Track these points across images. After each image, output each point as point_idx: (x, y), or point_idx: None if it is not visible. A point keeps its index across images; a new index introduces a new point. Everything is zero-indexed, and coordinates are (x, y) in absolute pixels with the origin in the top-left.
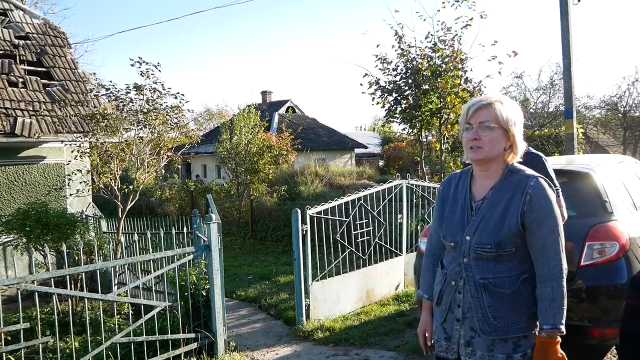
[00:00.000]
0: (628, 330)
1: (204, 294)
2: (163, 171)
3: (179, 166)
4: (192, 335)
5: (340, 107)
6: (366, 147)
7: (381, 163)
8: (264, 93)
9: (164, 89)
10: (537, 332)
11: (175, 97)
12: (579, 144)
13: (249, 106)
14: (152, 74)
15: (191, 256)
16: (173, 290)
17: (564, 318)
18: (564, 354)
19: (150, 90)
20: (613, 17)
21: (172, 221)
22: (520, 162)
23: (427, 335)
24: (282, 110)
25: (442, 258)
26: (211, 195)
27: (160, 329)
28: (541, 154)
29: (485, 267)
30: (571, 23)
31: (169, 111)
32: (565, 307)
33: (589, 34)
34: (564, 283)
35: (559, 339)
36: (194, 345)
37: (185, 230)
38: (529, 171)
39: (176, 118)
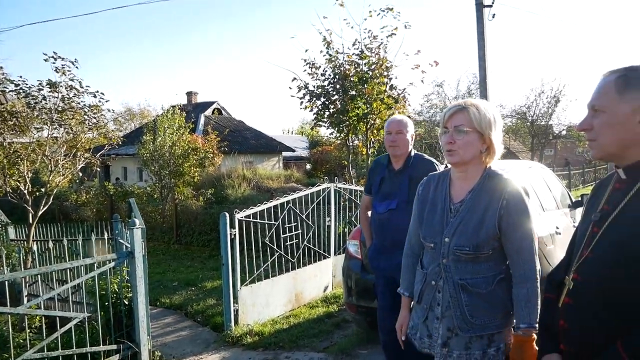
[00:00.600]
0: (545, 321)
1: (126, 303)
2: (80, 174)
3: (98, 169)
4: (114, 346)
5: (267, 110)
6: (294, 151)
7: (309, 166)
8: (189, 94)
9: (82, 87)
10: (513, 331)
11: (94, 96)
12: None
13: (173, 107)
14: (68, 71)
15: (112, 264)
16: (92, 300)
17: (538, 316)
18: (537, 349)
19: (66, 88)
20: (523, 33)
21: (90, 227)
22: (413, 169)
23: (402, 329)
24: (208, 112)
25: (422, 258)
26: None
27: (79, 342)
28: (433, 160)
29: (463, 268)
30: (487, 39)
31: (86, 110)
32: (539, 306)
33: (502, 47)
34: (538, 284)
35: (534, 336)
36: (115, 357)
37: (106, 236)
38: (506, 176)
39: (95, 118)
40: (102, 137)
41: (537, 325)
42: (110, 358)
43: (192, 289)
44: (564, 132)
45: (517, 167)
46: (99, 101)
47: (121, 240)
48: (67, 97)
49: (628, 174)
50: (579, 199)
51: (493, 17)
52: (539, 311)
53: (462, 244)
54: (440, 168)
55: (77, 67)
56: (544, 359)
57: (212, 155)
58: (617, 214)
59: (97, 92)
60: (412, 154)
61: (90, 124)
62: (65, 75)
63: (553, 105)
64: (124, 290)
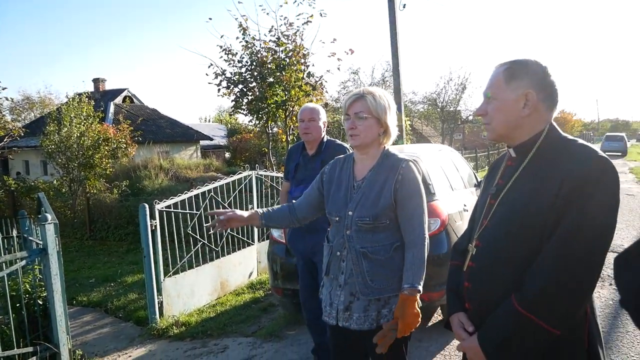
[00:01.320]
0: (452, 286)
1: (41, 302)
2: None
3: None
4: (30, 349)
5: (183, 97)
6: (212, 139)
7: (228, 155)
8: (96, 81)
9: None
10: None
11: None
12: (407, 134)
13: (80, 94)
14: None
15: (24, 262)
16: (1, 303)
17: (422, 279)
18: (419, 310)
19: None
20: (434, 23)
21: None
22: (326, 154)
23: (223, 216)
24: (119, 99)
25: (328, 233)
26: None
27: None
28: (345, 145)
29: (364, 238)
30: (398, 28)
31: None
32: (423, 271)
33: (415, 36)
34: (425, 250)
35: (417, 296)
36: None
37: (14, 233)
38: (402, 155)
39: None
40: None
41: (419, 286)
42: None
43: (111, 284)
44: (470, 117)
45: (428, 150)
46: None
47: (31, 238)
48: None
49: (517, 152)
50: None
51: (404, 7)
52: (423, 275)
53: (363, 215)
54: (349, 151)
55: None
56: (452, 317)
57: (125, 145)
58: (509, 187)
59: None
60: (325, 139)
61: None
62: None
63: (460, 92)
64: (37, 290)
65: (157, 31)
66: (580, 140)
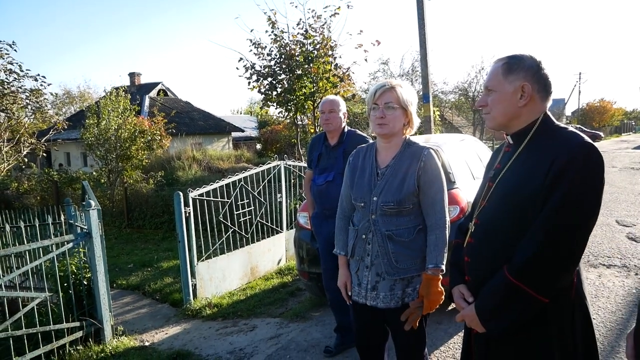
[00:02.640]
0: (454, 261)
1: (86, 283)
2: (26, 160)
3: (44, 154)
4: (77, 324)
5: (215, 90)
6: (243, 131)
7: (259, 146)
8: (132, 75)
9: (22, 71)
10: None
11: (36, 80)
12: (436, 125)
13: (117, 89)
14: (6, 54)
15: (70, 244)
16: (51, 282)
17: (445, 260)
18: (443, 289)
19: (5, 72)
20: (465, 11)
21: (37, 214)
22: (347, 144)
23: (347, 286)
24: (153, 93)
25: (353, 217)
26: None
27: (42, 322)
28: (365, 135)
29: (389, 221)
30: (426, 18)
31: (28, 94)
32: (445, 251)
33: (445, 25)
34: (447, 232)
35: (441, 276)
36: (79, 334)
37: (62, 219)
38: (423, 143)
39: (37, 102)
40: (40, 121)
41: (442, 266)
42: (74, 335)
43: (148, 269)
44: None
45: (450, 140)
46: (41, 85)
47: (76, 224)
48: (7, 81)
49: (514, 139)
50: None
51: None
52: (445, 255)
53: (388, 200)
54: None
55: (15, 50)
56: (454, 289)
57: (160, 137)
58: (505, 170)
59: (38, 75)
60: (346, 130)
61: (32, 108)
62: (3, 58)
63: None
64: (83, 271)
65: (189, 26)
66: (571, 128)
